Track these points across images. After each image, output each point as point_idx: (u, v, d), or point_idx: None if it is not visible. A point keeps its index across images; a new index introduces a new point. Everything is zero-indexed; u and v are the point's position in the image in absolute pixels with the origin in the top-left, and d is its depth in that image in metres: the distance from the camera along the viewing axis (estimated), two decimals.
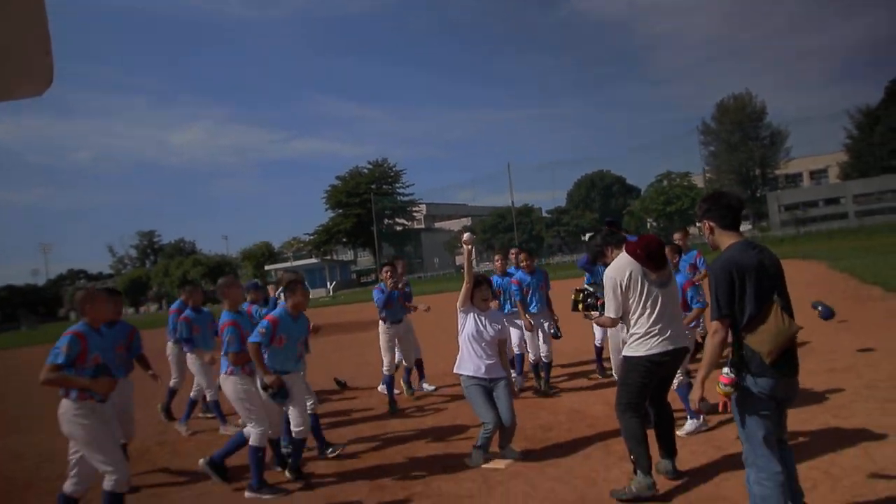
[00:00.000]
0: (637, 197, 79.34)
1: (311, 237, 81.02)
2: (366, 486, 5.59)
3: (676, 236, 8.84)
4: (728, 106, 76.04)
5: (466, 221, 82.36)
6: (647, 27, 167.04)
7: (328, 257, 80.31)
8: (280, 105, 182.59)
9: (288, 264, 72.25)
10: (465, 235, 5.93)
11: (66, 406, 4.65)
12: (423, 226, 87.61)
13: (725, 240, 3.68)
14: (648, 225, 67.37)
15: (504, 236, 67.75)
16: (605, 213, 79.47)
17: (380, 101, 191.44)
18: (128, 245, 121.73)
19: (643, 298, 4.77)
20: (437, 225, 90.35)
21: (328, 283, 72.50)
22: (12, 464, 7.87)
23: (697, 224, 3.93)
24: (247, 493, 5.51)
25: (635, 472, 4.72)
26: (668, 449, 5.01)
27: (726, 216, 3.71)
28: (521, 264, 8.68)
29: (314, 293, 66.45)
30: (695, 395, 3.65)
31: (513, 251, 9.15)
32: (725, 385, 3.44)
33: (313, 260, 77.98)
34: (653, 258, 4.76)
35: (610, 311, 4.89)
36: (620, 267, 4.86)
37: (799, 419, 5.66)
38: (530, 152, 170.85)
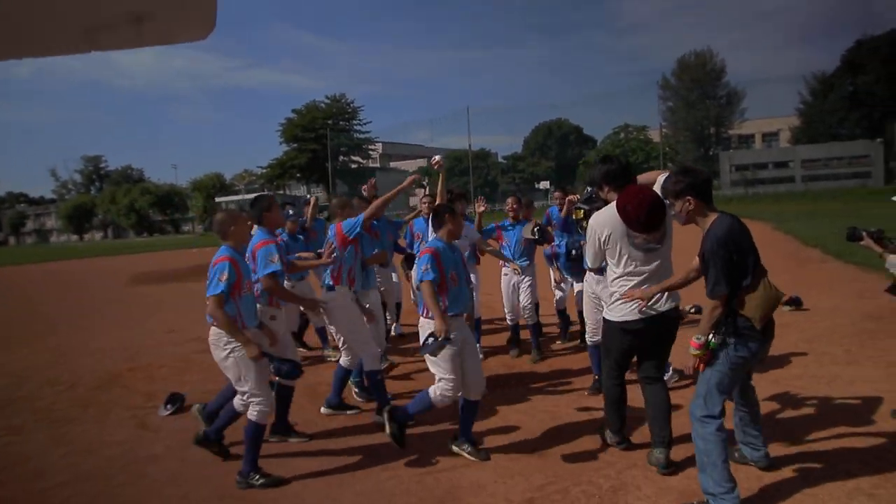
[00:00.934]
0: (593, 148, 79.68)
1: (264, 170, 79.35)
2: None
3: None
4: (689, 62, 76.23)
5: (422, 162, 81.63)
6: None
7: (281, 192, 78.98)
8: (237, 31, 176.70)
9: (239, 197, 70.64)
10: (436, 157, 5.91)
11: (217, 333, 4.59)
12: (378, 165, 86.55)
13: (710, 215, 3.73)
14: None
15: (459, 180, 67.44)
16: (560, 161, 79.71)
17: (340, 35, 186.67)
18: (72, 170, 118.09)
19: (623, 261, 4.37)
20: (393, 164, 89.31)
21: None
22: None
23: (668, 200, 3.92)
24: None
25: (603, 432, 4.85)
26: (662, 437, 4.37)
27: (707, 191, 3.77)
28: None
29: None
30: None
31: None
32: (696, 349, 3.67)
33: (265, 193, 76.58)
34: (642, 222, 4.12)
35: (588, 260, 4.76)
36: (603, 221, 4.43)
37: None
38: (490, 95, 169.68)
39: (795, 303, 9.26)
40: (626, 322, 4.37)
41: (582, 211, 5.34)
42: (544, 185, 64.85)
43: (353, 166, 79.14)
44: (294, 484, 4.52)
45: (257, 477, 4.52)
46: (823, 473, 4.05)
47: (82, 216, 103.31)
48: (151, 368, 8.21)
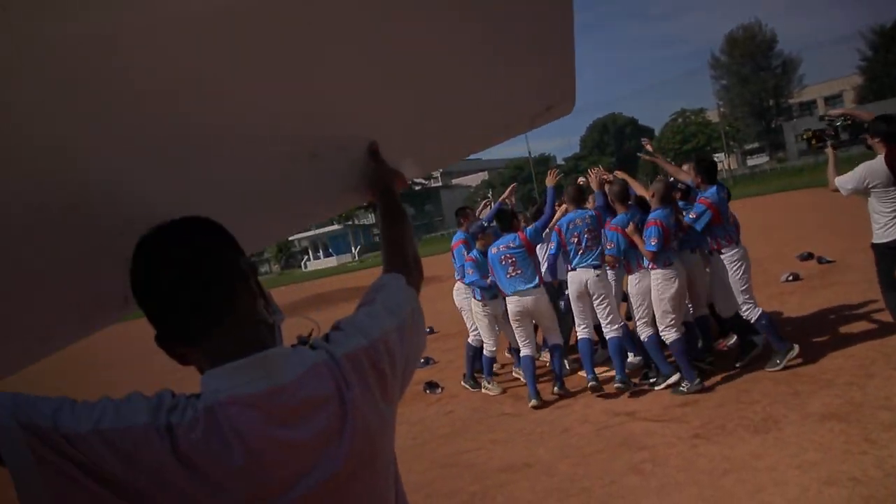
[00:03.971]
0: (652, 138, 79.15)
1: None
2: None
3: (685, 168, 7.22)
4: (737, 38, 74.95)
5: (484, 176, 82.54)
6: None
7: (350, 222, 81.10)
8: None
9: (311, 233, 72.89)
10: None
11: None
12: (440, 183, 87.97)
13: None
14: None
15: (524, 188, 68.12)
16: (620, 155, 79.38)
17: None
18: None
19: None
20: (455, 182, 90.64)
21: (353, 248, 73.45)
22: None
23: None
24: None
25: None
26: None
27: None
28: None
29: (340, 259, 67.63)
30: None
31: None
32: None
33: (336, 226, 78.85)
34: None
35: (847, 188, 5.46)
36: (875, 170, 5.27)
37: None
38: None
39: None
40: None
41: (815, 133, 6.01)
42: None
43: (417, 188, 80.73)
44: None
45: None
46: None
47: None
48: None
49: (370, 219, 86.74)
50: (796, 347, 5.97)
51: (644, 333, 6.21)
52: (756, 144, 75.81)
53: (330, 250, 73.71)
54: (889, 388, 5.04)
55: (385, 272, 1.43)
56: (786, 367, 5.89)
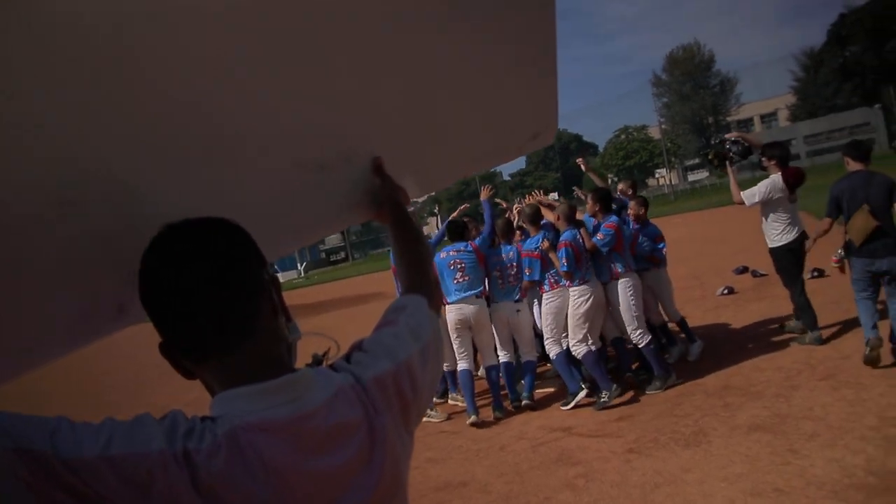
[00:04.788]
0: (595, 154, 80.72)
1: None
2: None
3: (621, 187, 8.05)
4: (677, 57, 77.56)
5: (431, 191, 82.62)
6: None
7: None
8: None
9: None
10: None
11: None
12: None
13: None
14: (609, 180, 68.78)
15: (471, 202, 68.47)
16: (565, 171, 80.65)
17: None
18: None
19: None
20: None
21: (299, 264, 72.64)
22: None
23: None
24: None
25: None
26: None
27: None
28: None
29: (285, 275, 66.64)
30: None
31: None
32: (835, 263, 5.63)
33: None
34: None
35: (752, 200, 6.60)
36: (777, 185, 6.44)
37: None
38: None
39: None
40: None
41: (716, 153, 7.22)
42: (553, 196, 65.79)
43: None
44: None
45: None
46: None
47: None
48: None
49: None
50: (674, 375, 6.28)
51: (552, 351, 6.35)
52: (696, 160, 78.01)
53: (275, 266, 72.73)
54: (813, 398, 5.19)
55: (405, 293, 1.36)
56: (668, 387, 6.18)
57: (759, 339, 7.22)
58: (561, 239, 6.20)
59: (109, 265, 1.13)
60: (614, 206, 6.89)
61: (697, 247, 17.08)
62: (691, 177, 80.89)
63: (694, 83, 75.95)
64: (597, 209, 6.57)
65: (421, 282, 1.39)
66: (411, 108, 1.56)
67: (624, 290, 6.26)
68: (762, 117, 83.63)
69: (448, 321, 6.50)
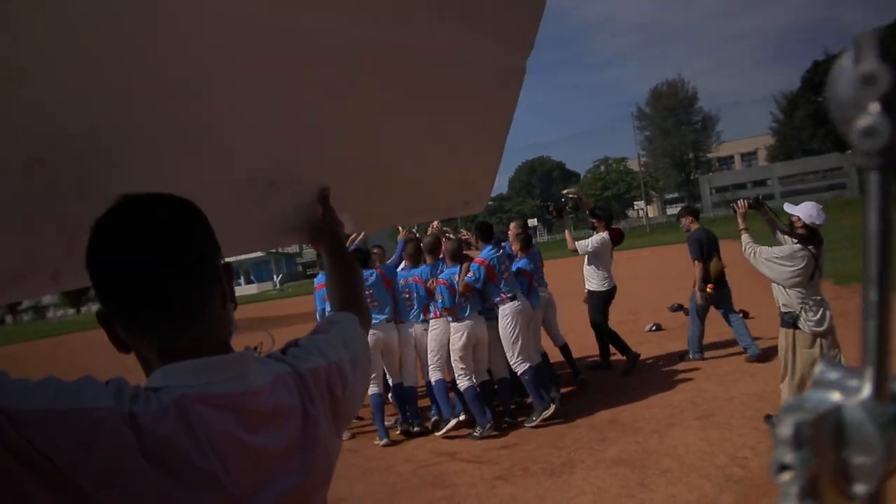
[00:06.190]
0: (577, 182, 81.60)
1: None
2: None
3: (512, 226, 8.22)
4: (661, 92, 78.69)
5: None
6: (581, 12, 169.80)
7: (274, 250, 79.98)
8: None
9: (233, 259, 71.66)
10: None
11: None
12: None
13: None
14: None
15: (449, 224, 68.78)
16: (546, 198, 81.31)
17: None
18: None
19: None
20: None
21: (275, 276, 72.50)
22: None
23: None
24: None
25: None
26: None
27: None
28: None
29: (261, 286, 66.52)
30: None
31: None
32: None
33: (259, 254, 77.61)
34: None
35: (588, 247, 7.90)
36: (606, 241, 7.86)
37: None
38: None
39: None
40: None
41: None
42: (532, 223, 66.36)
43: None
44: None
45: None
46: None
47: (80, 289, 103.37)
48: None
49: (295, 248, 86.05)
50: (553, 407, 6.36)
51: (433, 377, 6.61)
52: (676, 194, 78.95)
53: (252, 277, 72.45)
54: (683, 436, 5.46)
55: (338, 311, 1.45)
56: (543, 423, 6.28)
57: (662, 376, 7.52)
58: (441, 276, 6.50)
59: (54, 232, 1.12)
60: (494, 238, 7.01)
61: (648, 283, 17.40)
62: (670, 210, 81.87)
63: (676, 118, 77.08)
64: (475, 239, 6.99)
65: (353, 302, 1.49)
66: (365, 154, 1.68)
67: (503, 317, 6.49)
68: (742, 156, 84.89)
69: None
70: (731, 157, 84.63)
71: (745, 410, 5.79)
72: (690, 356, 8.01)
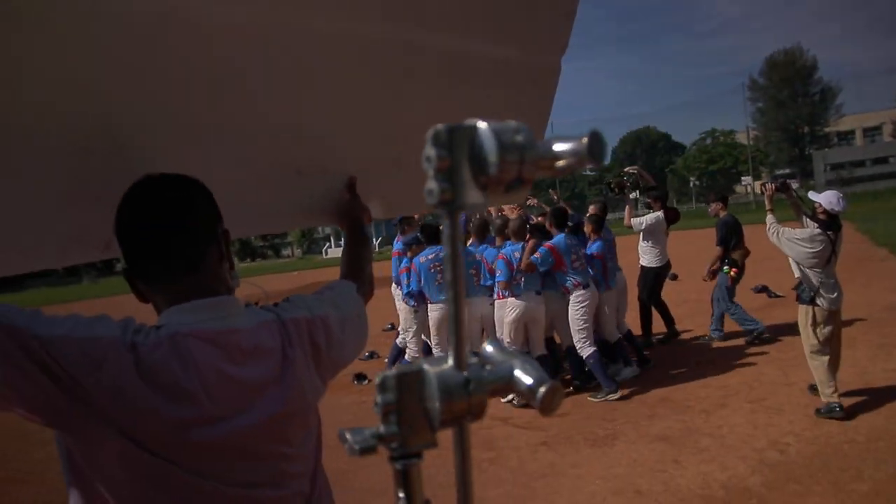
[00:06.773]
0: (682, 154, 78.89)
1: None
2: None
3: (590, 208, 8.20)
4: (777, 61, 74.30)
5: None
6: None
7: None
8: None
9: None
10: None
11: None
12: None
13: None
14: (691, 184, 67.07)
15: (544, 195, 68.19)
16: (649, 169, 78.80)
17: None
18: None
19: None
20: None
21: (374, 239, 73.78)
22: None
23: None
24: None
25: None
26: None
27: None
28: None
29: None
30: None
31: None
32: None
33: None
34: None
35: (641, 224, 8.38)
36: (660, 219, 8.39)
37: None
38: (572, 108, 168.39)
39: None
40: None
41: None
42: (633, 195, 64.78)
43: None
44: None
45: None
46: None
47: None
48: None
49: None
50: (619, 392, 6.50)
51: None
52: (787, 171, 74.95)
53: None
54: (730, 417, 5.55)
55: (341, 279, 1.65)
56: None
57: (728, 356, 7.52)
58: (502, 251, 6.72)
59: (106, 206, 1.27)
60: (570, 224, 7.14)
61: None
62: None
63: (792, 90, 72.77)
64: (548, 227, 7.09)
65: (356, 274, 1.70)
66: (398, 147, 1.75)
67: (572, 304, 6.68)
68: (865, 130, 79.39)
69: (430, 319, 7.12)
70: (853, 131, 79.24)
71: (801, 398, 5.78)
72: (712, 335, 8.48)
